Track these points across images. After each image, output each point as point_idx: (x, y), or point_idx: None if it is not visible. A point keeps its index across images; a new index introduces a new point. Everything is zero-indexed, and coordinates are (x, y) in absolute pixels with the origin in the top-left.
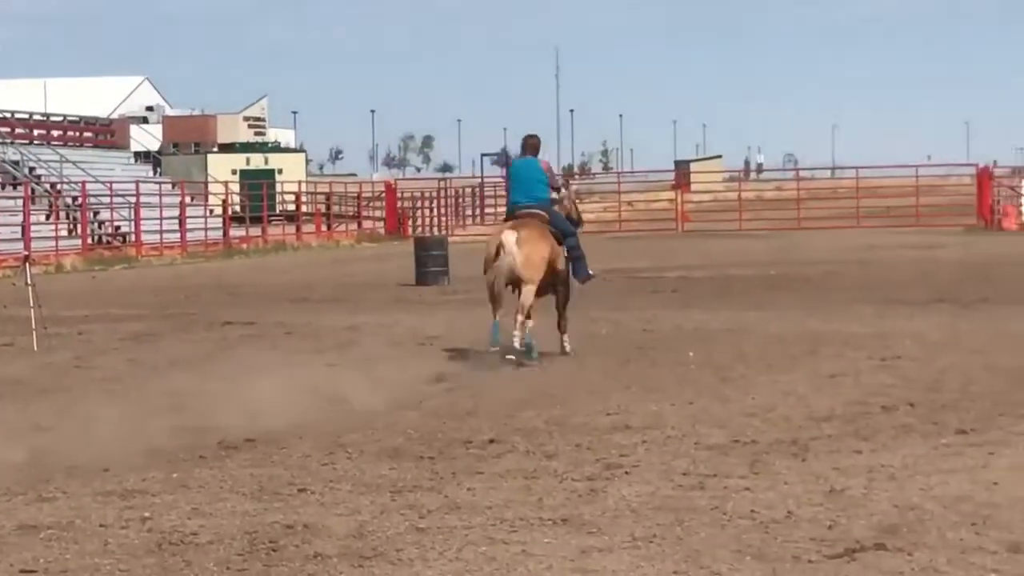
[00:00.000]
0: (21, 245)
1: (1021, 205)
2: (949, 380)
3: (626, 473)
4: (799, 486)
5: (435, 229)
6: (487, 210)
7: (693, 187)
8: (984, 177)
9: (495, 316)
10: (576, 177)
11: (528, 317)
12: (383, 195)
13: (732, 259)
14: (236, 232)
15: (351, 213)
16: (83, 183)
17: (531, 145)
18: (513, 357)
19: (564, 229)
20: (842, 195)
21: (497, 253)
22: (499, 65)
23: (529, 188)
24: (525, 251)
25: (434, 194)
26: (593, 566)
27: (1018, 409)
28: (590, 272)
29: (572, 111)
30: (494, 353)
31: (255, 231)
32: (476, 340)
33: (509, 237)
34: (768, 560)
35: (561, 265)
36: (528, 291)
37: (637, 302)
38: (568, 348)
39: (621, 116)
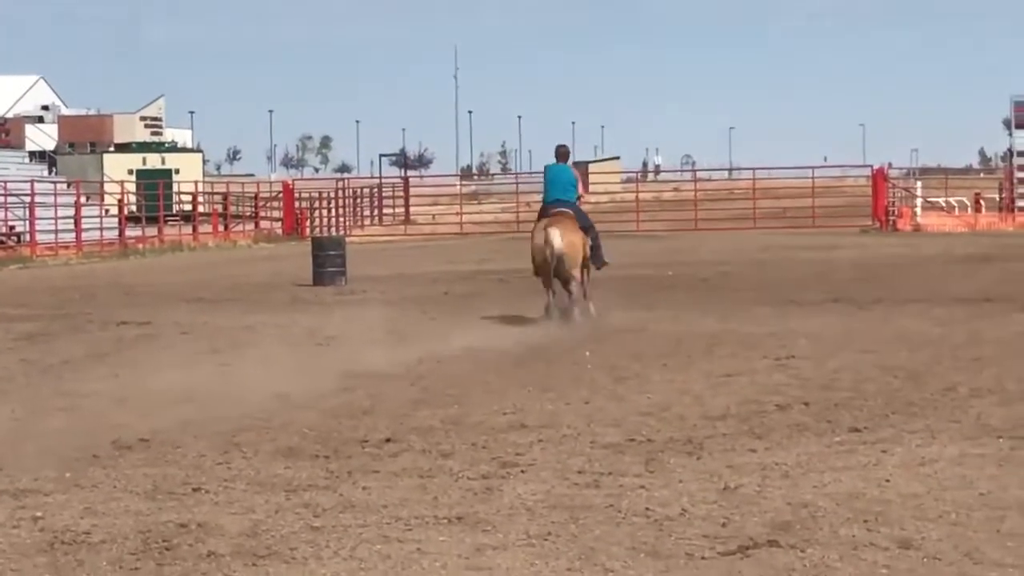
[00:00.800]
0: None
1: (915, 207)
2: (843, 379)
3: (522, 472)
4: (694, 484)
5: (333, 229)
6: (385, 211)
7: (591, 188)
8: (879, 179)
9: (550, 294)
10: (475, 177)
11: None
12: (281, 195)
13: (630, 259)
14: (132, 232)
15: (248, 213)
16: None
17: (562, 154)
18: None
19: (586, 224)
20: (739, 196)
21: (544, 244)
22: (398, 66)
23: (563, 190)
24: (567, 241)
25: (332, 194)
26: (487, 564)
27: (910, 408)
28: (605, 260)
29: (471, 112)
30: (557, 317)
31: (151, 231)
32: (373, 340)
33: (553, 232)
34: (662, 557)
35: (586, 252)
36: (575, 272)
37: (534, 302)
38: (594, 311)
39: (520, 117)
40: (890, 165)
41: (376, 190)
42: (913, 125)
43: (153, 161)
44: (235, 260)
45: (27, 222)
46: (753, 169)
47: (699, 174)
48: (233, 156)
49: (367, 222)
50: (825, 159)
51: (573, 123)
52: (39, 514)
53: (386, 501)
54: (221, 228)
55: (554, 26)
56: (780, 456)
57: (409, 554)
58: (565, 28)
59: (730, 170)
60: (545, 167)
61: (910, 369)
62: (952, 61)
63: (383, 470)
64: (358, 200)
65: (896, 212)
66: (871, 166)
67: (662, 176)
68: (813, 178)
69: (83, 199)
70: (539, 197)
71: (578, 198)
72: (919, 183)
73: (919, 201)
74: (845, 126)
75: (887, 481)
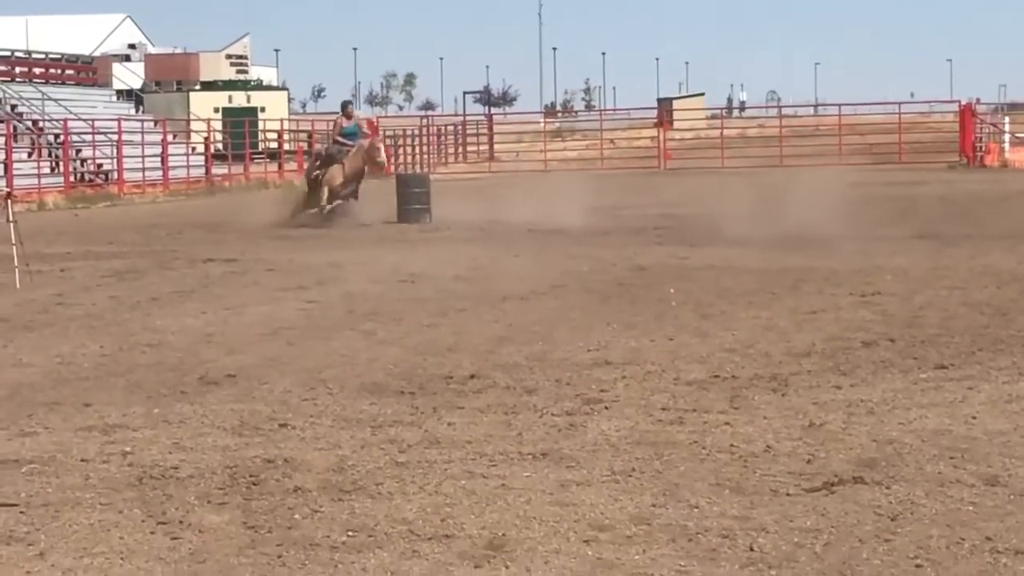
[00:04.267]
0: (3, 182)
1: (1003, 143)
2: (929, 316)
3: (606, 408)
4: (778, 421)
5: (417, 167)
6: (469, 148)
7: (675, 125)
8: (966, 114)
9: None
10: (559, 115)
11: None
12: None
13: (714, 197)
14: (218, 170)
15: None
16: (65, 121)
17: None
18: None
19: None
20: (824, 132)
21: None
22: (481, 3)
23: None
24: None
25: (416, 132)
26: (572, 499)
27: (996, 344)
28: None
29: (555, 49)
30: None
31: (237, 169)
32: (457, 276)
33: None
34: (746, 493)
35: None
36: None
37: (619, 240)
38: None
39: (604, 54)
40: (978, 100)
41: (460, 127)
42: (1001, 60)
43: (239, 99)
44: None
45: (115, 160)
46: (839, 105)
47: (784, 110)
48: (318, 94)
49: (451, 159)
50: (912, 95)
51: (657, 60)
52: (128, 449)
53: (470, 437)
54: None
55: None
56: (865, 393)
57: (494, 490)
58: None
59: (815, 106)
60: None
61: (997, 305)
62: None
63: (467, 406)
64: (442, 138)
65: (984, 148)
66: (958, 102)
67: (747, 112)
68: (900, 114)
69: (169, 137)
70: (623, 135)
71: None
72: (1007, 119)
73: (1007, 137)
74: (932, 61)
75: (973, 418)
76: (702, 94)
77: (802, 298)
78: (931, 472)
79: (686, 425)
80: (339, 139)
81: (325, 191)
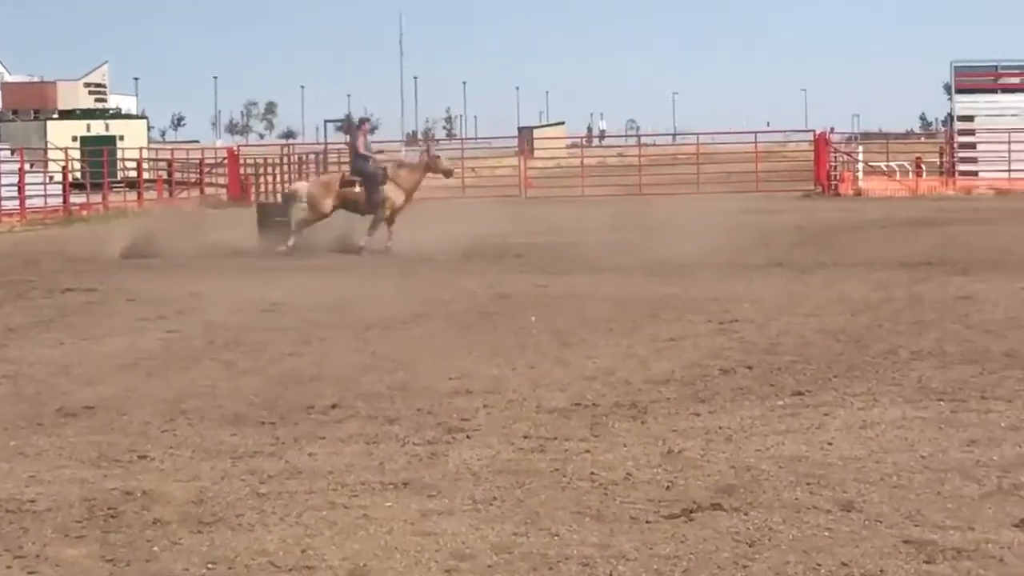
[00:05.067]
0: None
1: (857, 171)
2: (786, 343)
3: (467, 437)
4: (638, 448)
5: (278, 195)
6: None
7: (536, 154)
8: (821, 143)
9: None
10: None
11: None
12: (226, 161)
13: (574, 224)
14: (76, 199)
15: (193, 180)
16: None
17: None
18: None
19: None
20: (683, 161)
21: None
22: (342, 31)
23: None
24: None
25: (277, 160)
26: (433, 529)
27: (852, 371)
28: None
29: (416, 78)
30: None
31: (96, 198)
32: (320, 305)
33: None
34: (607, 521)
35: None
36: None
37: (481, 267)
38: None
39: (464, 83)
40: (832, 130)
41: (322, 155)
42: (854, 90)
43: (97, 128)
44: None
45: None
46: (697, 134)
47: (643, 139)
48: (178, 123)
49: None
50: (768, 124)
51: (518, 88)
52: None
53: (332, 467)
54: (166, 195)
55: None
56: (724, 420)
57: (355, 520)
58: None
59: (674, 135)
60: None
61: (852, 333)
62: (893, 26)
63: (329, 436)
64: (304, 166)
65: (838, 177)
66: (813, 131)
67: (607, 141)
68: (756, 143)
69: (27, 166)
70: (484, 163)
71: None
72: (860, 148)
73: (860, 166)
74: (787, 91)
75: (829, 444)
76: (562, 123)
77: (661, 326)
78: (788, 498)
79: (547, 453)
80: (370, 155)
81: (387, 212)
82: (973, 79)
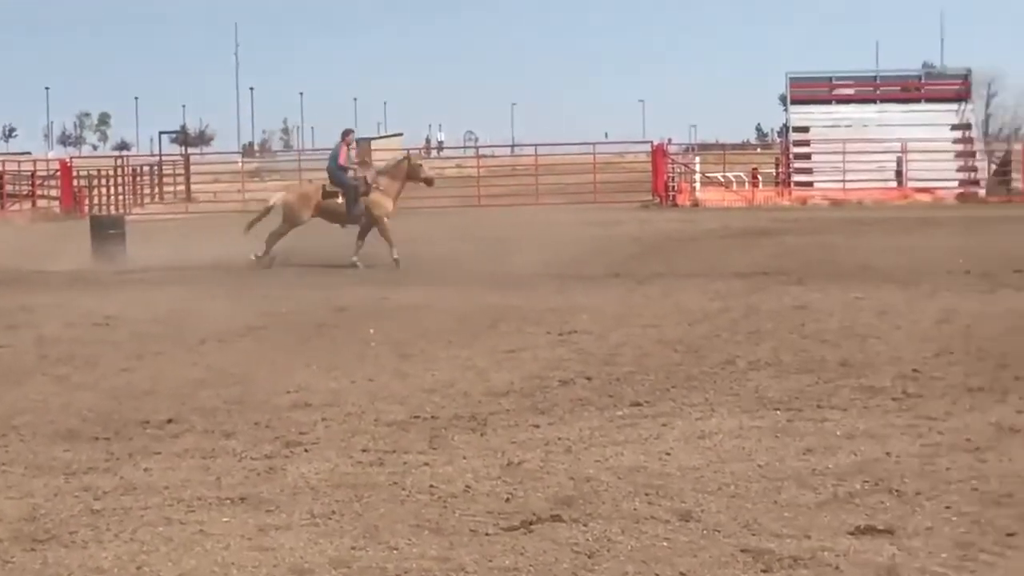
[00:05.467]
0: None
1: (694, 182)
2: (624, 353)
3: (305, 451)
4: (477, 460)
5: (112, 208)
6: (166, 189)
7: (375, 164)
8: (659, 154)
9: None
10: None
11: None
12: (58, 174)
13: (414, 235)
14: None
15: (25, 192)
16: None
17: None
18: None
19: None
20: (521, 172)
21: None
22: (177, 42)
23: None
24: None
25: (111, 172)
26: (271, 544)
27: (689, 381)
28: None
29: (252, 89)
30: None
31: None
32: (154, 319)
33: None
34: (446, 534)
35: None
36: None
37: (318, 280)
38: None
39: (301, 94)
40: (669, 141)
41: (156, 168)
42: (691, 101)
43: None
44: (10, 239)
45: None
46: (535, 145)
47: (482, 150)
48: (8, 134)
49: (147, 200)
50: (606, 135)
51: (355, 99)
52: None
53: (168, 483)
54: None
55: (335, 2)
56: (563, 431)
57: (191, 536)
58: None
59: (512, 146)
60: None
61: (690, 343)
62: (728, 38)
63: (165, 451)
64: (138, 178)
65: (675, 187)
66: (651, 142)
67: (445, 152)
68: (595, 154)
69: None
70: (321, 175)
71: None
72: (698, 158)
73: (698, 176)
74: (625, 102)
75: (668, 454)
76: (400, 134)
77: (501, 337)
78: (627, 509)
79: (386, 466)
80: (351, 167)
81: (384, 219)
82: (808, 90)
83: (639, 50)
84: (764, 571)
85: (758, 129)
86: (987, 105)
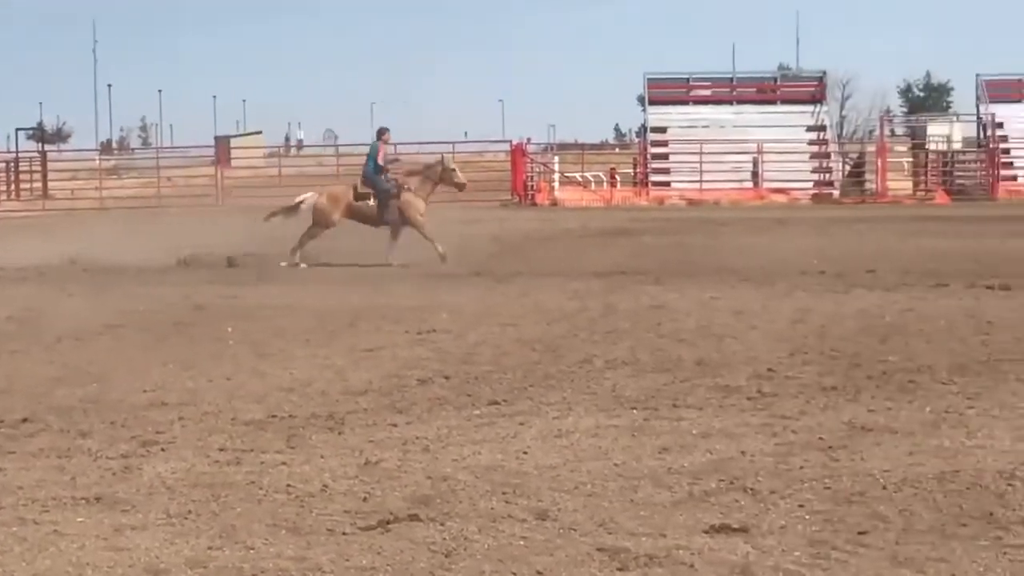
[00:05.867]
0: None
1: (553, 181)
2: (483, 352)
3: (162, 450)
4: (335, 459)
5: None
6: (22, 186)
7: (234, 163)
8: (518, 154)
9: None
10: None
11: None
12: None
13: (274, 234)
14: None
15: None
16: None
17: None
18: None
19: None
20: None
21: None
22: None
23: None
24: None
25: None
26: (126, 544)
27: (547, 380)
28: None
29: (110, 86)
30: None
31: None
32: (9, 317)
33: None
34: (303, 534)
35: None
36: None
37: (176, 277)
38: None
39: (160, 91)
40: (528, 140)
41: (13, 165)
42: (550, 101)
43: None
44: None
45: None
46: (394, 144)
47: (342, 149)
48: None
49: (3, 198)
50: (465, 134)
51: (215, 97)
52: None
53: (22, 483)
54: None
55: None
56: (421, 430)
57: (46, 536)
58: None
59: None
60: None
61: (547, 342)
62: (587, 37)
63: (19, 451)
64: None
65: (534, 187)
66: (510, 141)
67: (305, 151)
68: (454, 153)
69: None
70: (180, 172)
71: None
72: (556, 158)
73: (556, 176)
74: (485, 101)
75: (525, 453)
76: (260, 132)
77: (359, 336)
78: (484, 508)
79: (243, 466)
80: (389, 167)
81: (421, 219)
82: (666, 91)
83: (498, 49)
84: (620, 569)
85: (616, 129)
86: (842, 107)
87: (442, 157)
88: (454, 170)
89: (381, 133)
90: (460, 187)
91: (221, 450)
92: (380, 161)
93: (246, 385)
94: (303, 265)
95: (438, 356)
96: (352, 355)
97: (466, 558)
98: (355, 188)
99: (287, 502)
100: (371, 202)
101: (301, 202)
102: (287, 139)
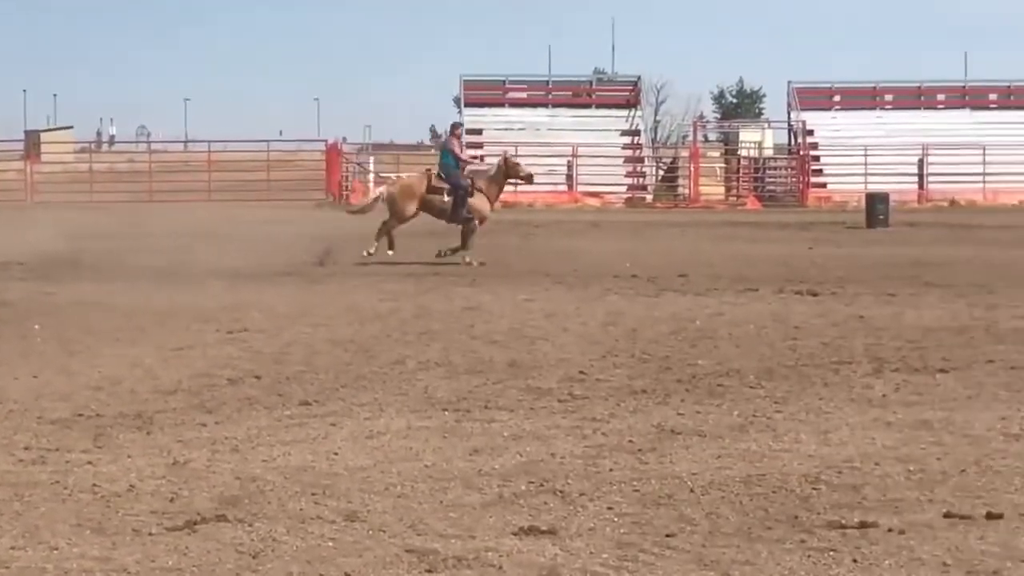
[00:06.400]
0: None
1: (368, 182)
2: (295, 353)
3: None
4: (142, 459)
5: None
6: None
7: (44, 158)
8: (333, 153)
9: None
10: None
11: None
12: None
13: (84, 230)
14: None
15: None
16: None
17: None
18: None
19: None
20: (194, 168)
21: None
22: None
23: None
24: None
25: None
26: None
27: (359, 381)
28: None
29: None
30: None
31: None
32: None
33: None
34: (108, 534)
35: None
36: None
37: None
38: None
39: None
40: (344, 140)
41: None
42: (366, 101)
43: None
44: None
45: None
46: (208, 142)
47: (154, 145)
48: None
49: None
50: (281, 133)
51: (25, 91)
52: None
53: None
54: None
55: None
56: (230, 430)
57: None
58: None
59: (185, 142)
60: None
61: (360, 343)
62: (403, 38)
63: None
64: None
65: (350, 187)
66: (325, 141)
67: (117, 147)
68: (269, 151)
69: None
70: None
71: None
72: (372, 158)
73: (372, 176)
74: (300, 101)
75: (335, 454)
76: (71, 127)
77: (170, 335)
78: (293, 509)
79: (48, 465)
80: (468, 163)
81: (476, 225)
82: (482, 93)
83: (314, 48)
84: (428, 571)
85: (432, 130)
86: (656, 112)
87: (505, 153)
88: (518, 164)
89: (455, 128)
90: (528, 179)
91: (26, 449)
92: (460, 154)
93: (53, 383)
94: (367, 253)
95: (249, 356)
96: (162, 354)
97: (273, 559)
98: (429, 179)
99: (93, 502)
100: (444, 198)
101: (376, 198)
102: (99, 135)
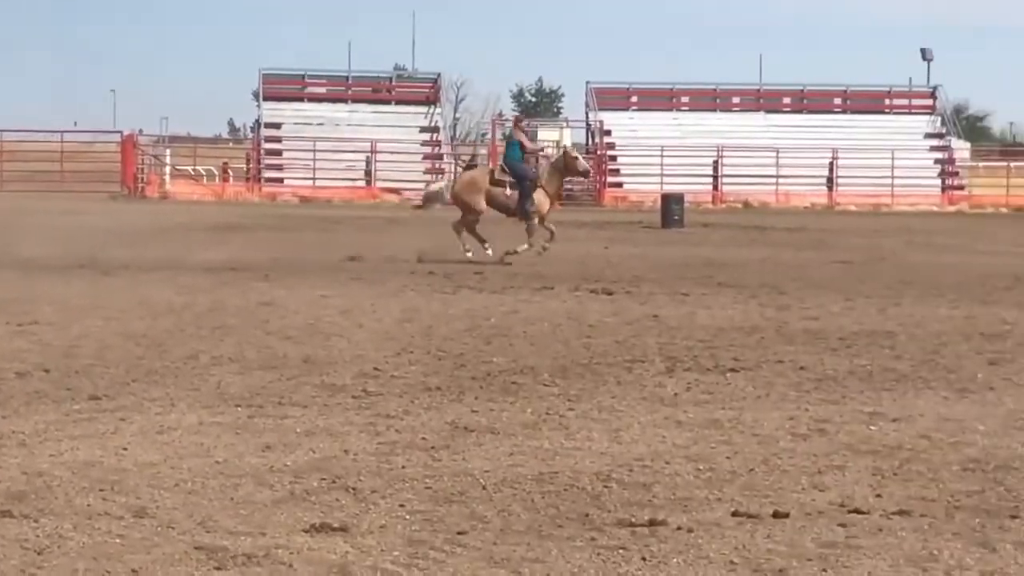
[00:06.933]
0: None
1: (164, 174)
2: (85, 346)
3: None
4: None
5: None
6: None
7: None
8: (128, 145)
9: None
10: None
11: None
12: None
13: None
14: None
15: None
16: None
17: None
18: None
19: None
20: None
21: None
22: None
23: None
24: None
25: None
26: None
27: (151, 375)
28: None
29: None
30: None
31: None
32: None
33: None
34: None
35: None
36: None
37: None
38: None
39: None
40: (140, 132)
41: None
42: (164, 92)
43: None
44: None
45: None
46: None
47: None
48: None
49: None
50: (75, 123)
51: None
52: None
53: None
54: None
55: None
56: (17, 424)
57: None
58: None
59: None
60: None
61: (153, 337)
62: (202, 30)
63: None
64: None
65: (145, 179)
66: (121, 132)
67: None
68: (62, 142)
69: None
70: None
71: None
72: (168, 151)
73: (168, 169)
74: (95, 90)
75: (124, 449)
76: None
77: None
78: (80, 505)
79: None
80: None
81: (536, 220)
82: (281, 87)
83: (112, 38)
84: (217, 568)
85: (230, 124)
86: (455, 109)
87: (565, 148)
88: (577, 158)
89: (518, 121)
90: (585, 174)
91: None
92: (528, 146)
93: None
94: (470, 254)
95: (39, 349)
96: None
97: (59, 556)
98: (491, 173)
99: None
100: (507, 191)
101: (434, 191)
102: None
